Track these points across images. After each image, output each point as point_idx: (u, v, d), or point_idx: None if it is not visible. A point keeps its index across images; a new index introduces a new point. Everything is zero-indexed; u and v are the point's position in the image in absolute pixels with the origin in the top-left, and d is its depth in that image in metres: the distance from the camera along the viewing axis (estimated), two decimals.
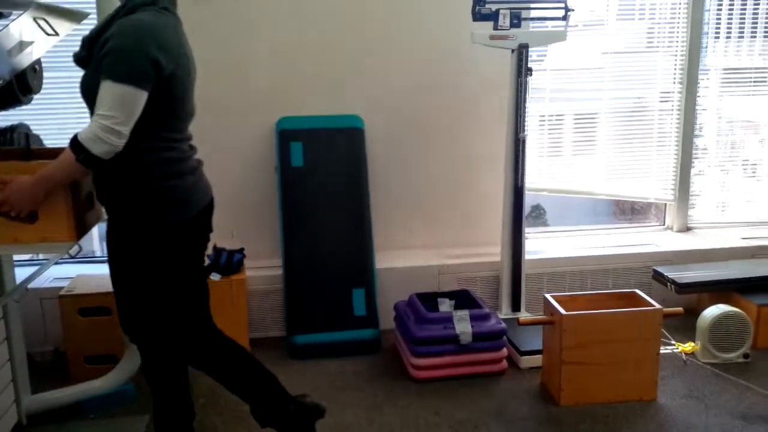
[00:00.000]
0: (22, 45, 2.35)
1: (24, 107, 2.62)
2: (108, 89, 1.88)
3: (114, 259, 2.18)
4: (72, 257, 2.45)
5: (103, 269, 3.53)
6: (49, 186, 1.97)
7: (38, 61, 2.59)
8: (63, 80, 3.42)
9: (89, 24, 2.74)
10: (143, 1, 1.99)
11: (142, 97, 1.91)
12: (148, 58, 1.90)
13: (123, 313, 2.27)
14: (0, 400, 2.47)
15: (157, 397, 2.37)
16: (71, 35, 3.17)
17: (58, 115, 3.47)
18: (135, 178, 2.04)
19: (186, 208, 2.13)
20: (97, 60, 1.93)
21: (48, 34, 2.44)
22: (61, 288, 3.17)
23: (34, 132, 2.65)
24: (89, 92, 1.98)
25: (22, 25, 2.31)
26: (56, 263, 3.17)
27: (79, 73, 3.22)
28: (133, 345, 2.93)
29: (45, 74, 2.68)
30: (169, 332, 2.24)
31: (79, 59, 2.07)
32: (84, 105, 2.83)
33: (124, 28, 1.93)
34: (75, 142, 1.89)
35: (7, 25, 2.28)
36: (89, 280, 3.28)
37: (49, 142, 2.73)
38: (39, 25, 2.39)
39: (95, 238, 3.93)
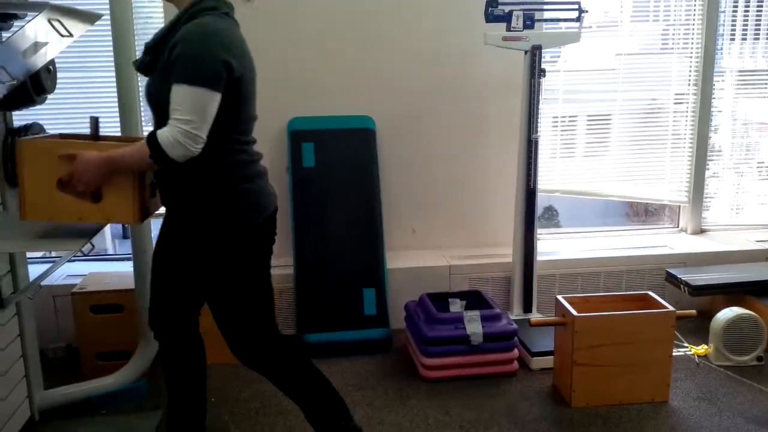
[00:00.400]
0: (36, 46, 2.37)
1: (38, 107, 2.64)
2: (183, 92, 1.89)
3: (173, 258, 2.18)
4: (85, 255, 2.46)
5: (115, 267, 3.58)
6: (115, 168, 1.99)
7: (52, 62, 2.61)
8: (76, 81, 3.46)
9: (103, 25, 2.77)
10: (206, 6, 2.01)
11: (216, 99, 1.92)
12: (220, 60, 1.92)
13: (159, 308, 2.29)
14: (13, 396, 2.49)
15: (172, 395, 2.38)
16: (84, 36, 3.20)
17: (71, 115, 3.50)
18: (208, 182, 2.04)
19: (257, 212, 2.14)
20: (165, 65, 1.95)
21: (62, 36, 2.45)
22: (73, 285, 3.20)
23: (48, 131, 2.67)
24: (156, 98, 2.00)
25: (36, 27, 2.33)
26: (69, 261, 3.19)
27: (92, 74, 3.26)
28: (146, 342, 2.96)
29: (59, 75, 2.70)
30: (235, 335, 2.23)
31: (144, 65, 2.08)
32: (99, 106, 2.90)
33: (192, 32, 1.94)
34: (153, 141, 1.90)
35: (23, 27, 2.30)
36: (101, 277, 3.30)
37: None
38: (53, 27, 2.41)
39: (108, 237, 3.98)
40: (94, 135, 2.23)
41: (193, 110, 1.88)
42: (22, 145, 2.05)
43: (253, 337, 2.26)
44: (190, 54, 1.90)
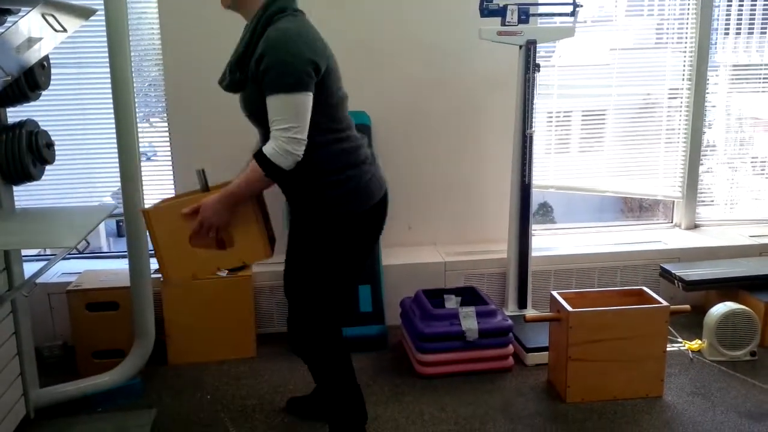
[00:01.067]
0: (30, 41, 2.36)
1: (32, 103, 2.63)
2: (279, 102, 1.97)
3: (297, 249, 2.26)
4: (80, 252, 2.47)
5: (110, 264, 3.58)
6: (234, 201, 2.09)
7: (46, 58, 2.59)
8: (71, 77, 3.44)
9: (96, 20, 2.76)
10: (278, 9, 2.06)
11: (309, 99, 2.00)
12: (306, 61, 1.98)
13: (298, 321, 2.34)
14: (8, 394, 2.48)
15: (341, 399, 2.41)
16: (79, 31, 3.19)
17: (65, 111, 3.48)
18: (314, 174, 2.11)
19: (364, 199, 2.19)
20: (255, 77, 2.02)
21: (56, 31, 2.44)
22: (68, 283, 3.19)
23: (42, 128, 2.66)
24: (256, 110, 2.07)
25: (30, 22, 2.31)
26: (64, 258, 3.19)
27: (88, 69, 3.26)
28: (141, 340, 2.96)
29: (53, 70, 2.68)
30: (309, 318, 2.28)
31: (234, 84, 2.14)
32: (93, 102, 2.92)
33: (275, 41, 2.00)
34: (263, 158, 1.99)
35: (16, 22, 2.29)
36: (97, 275, 3.30)
37: (57, 137, 2.74)
38: (47, 22, 2.39)
39: (102, 235, 3.96)
40: (204, 187, 2.30)
41: (293, 117, 1.97)
42: (148, 214, 2.15)
43: (323, 324, 2.29)
44: (277, 63, 1.97)
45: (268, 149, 2.00)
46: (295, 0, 2.16)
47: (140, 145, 2.93)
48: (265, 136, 2.09)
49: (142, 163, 3.10)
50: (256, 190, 2.14)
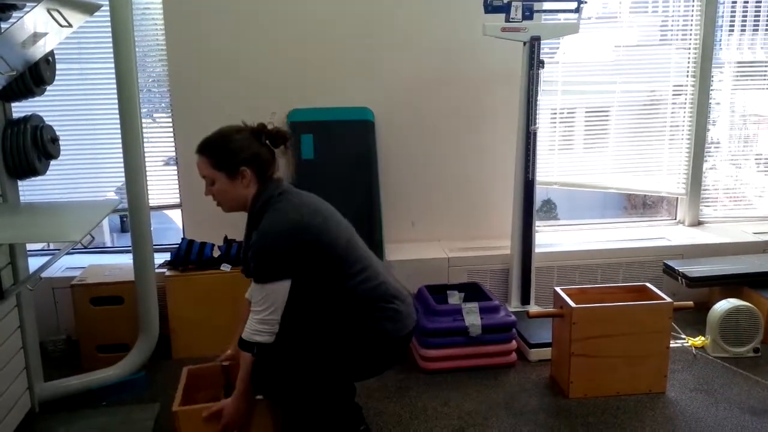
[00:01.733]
0: (35, 37, 2.37)
1: (37, 98, 2.64)
2: (259, 291, 2.14)
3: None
4: (84, 247, 2.47)
5: (115, 259, 3.59)
6: (248, 390, 2.18)
7: (51, 53, 2.60)
8: (75, 72, 3.45)
9: (101, 16, 2.76)
10: (264, 201, 2.20)
11: (286, 285, 2.13)
12: (289, 250, 2.12)
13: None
14: (13, 388, 2.50)
15: None
16: (83, 27, 3.19)
17: (70, 106, 3.49)
18: (349, 320, 2.20)
19: (398, 325, 2.23)
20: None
21: (61, 26, 2.45)
22: (73, 277, 3.20)
23: (47, 123, 2.67)
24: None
25: (35, 17, 2.32)
26: (68, 253, 3.20)
27: (93, 65, 3.27)
28: (145, 334, 2.97)
29: (58, 66, 2.70)
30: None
31: (249, 271, 2.21)
32: (98, 97, 2.92)
33: (261, 233, 2.14)
34: (243, 342, 2.15)
35: (22, 17, 2.30)
36: (101, 269, 3.31)
37: (62, 132, 2.76)
38: (52, 17, 2.40)
39: (106, 230, 3.98)
40: (227, 384, 2.47)
41: (268, 301, 2.11)
42: (179, 416, 2.28)
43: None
44: (259, 256, 2.12)
45: (245, 334, 2.15)
46: (279, 184, 2.24)
47: (144, 142, 2.94)
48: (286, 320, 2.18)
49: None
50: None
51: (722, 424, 2.62)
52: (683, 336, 3.33)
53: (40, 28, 2.36)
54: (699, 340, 3.26)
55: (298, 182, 3.50)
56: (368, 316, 2.18)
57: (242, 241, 2.34)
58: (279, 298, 2.12)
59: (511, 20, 3.27)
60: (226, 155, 2.21)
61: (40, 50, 2.41)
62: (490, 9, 3.26)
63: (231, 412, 2.20)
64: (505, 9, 3.26)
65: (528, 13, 3.28)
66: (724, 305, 3.19)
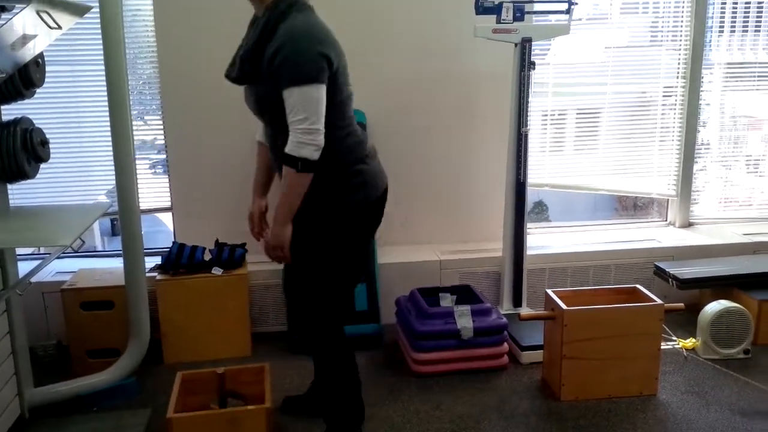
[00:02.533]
0: (24, 38, 2.35)
1: (26, 101, 2.62)
2: (294, 96, 2.01)
3: (306, 247, 2.24)
4: (74, 251, 2.46)
5: (105, 263, 3.57)
6: (287, 213, 2.13)
7: (41, 55, 2.59)
8: (65, 74, 3.43)
9: (91, 18, 2.75)
10: (289, 3, 2.09)
11: (323, 91, 2.05)
12: (321, 54, 2.03)
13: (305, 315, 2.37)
14: (2, 394, 2.48)
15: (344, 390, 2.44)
16: (73, 29, 3.17)
17: (60, 109, 3.47)
18: (328, 168, 2.14)
19: (370, 191, 2.26)
20: (269, 71, 2.05)
21: (51, 28, 2.43)
22: (63, 282, 3.18)
23: (37, 126, 2.65)
24: (265, 104, 2.13)
25: (24, 19, 2.30)
26: (58, 257, 3.18)
27: (83, 67, 3.24)
28: (136, 338, 2.96)
29: (47, 68, 2.68)
30: (316, 312, 2.31)
31: (244, 76, 2.15)
32: (88, 100, 2.89)
33: (289, 35, 2.04)
34: (287, 157, 2.05)
35: (10, 19, 2.28)
36: (91, 274, 3.29)
37: (52, 134, 2.74)
38: (42, 19, 2.38)
39: (97, 234, 3.95)
40: (219, 389, 2.56)
41: (307, 108, 2.01)
42: (174, 423, 2.28)
43: (331, 319, 2.33)
44: (295, 55, 2.01)
45: (288, 147, 2.05)
46: None
47: (135, 142, 2.93)
48: (274, 130, 2.16)
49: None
50: (300, 194, 2.12)
51: (713, 426, 2.63)
52: (674, 338, 3.35)
53: (29, 30, 2.34)
54: (690, 342, 3.28)
55: None
56: (343, 182, 2.20)
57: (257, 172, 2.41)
58: (318, 104, 2.03)
59: (502, 21, 3.27)
60: None
61: (29, 52, 2.39)
62: (481, 10, 3.26)
63: (271, 237, 2.19)
64: (497, 10, 3.26)
65: (519, 15, 3.28)
66: (714, 307, 3.20)
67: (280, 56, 2.02)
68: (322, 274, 2.28)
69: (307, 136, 2.02)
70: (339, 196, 2.21)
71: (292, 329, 2.59)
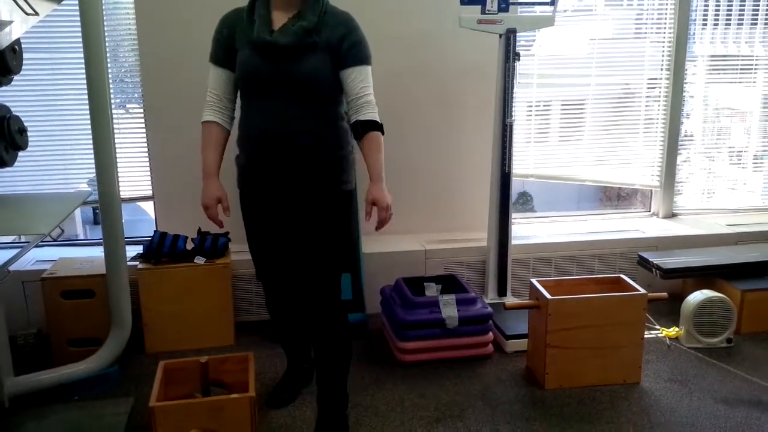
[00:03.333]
0: (0, 24, 2.31)
1: (3, 88, 2.58)
2: (364, 73, 2.27)
3: (319, 229, 2.37)
4: (54, 240, 2.42)
5: (86, 252, 3.53)
6: (383, 176, 2.32)
7: (18, 42, 2.54)
8: (45, 61, 3.38)
9: (70, 4, 2.71)
10: None
11: None
12: None
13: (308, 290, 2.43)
14: None
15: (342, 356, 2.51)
16: (52, 15, 3.13)
17: (39, 97, 3.42)
18: (343, 145, 2.39)
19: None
20: (333, 49, 2.24)
21: (27, 14, 2.40)
22: (43, 271, 3.14)
23: (15, 113, 2.61)
24: (321, 77, 2.25)
25: (0, 4, 2.27)
26: (38, 246, 3.14)
27: (62, 54, 3.19)
28: (118, 327, 2.93)
29: (26, 55, 2.64)
30: (329, 293, 2.42)
31: (300, 46, 2.21)
32: (68, 88, 2.85)
33: (352, 20, 2.30)
34: (373, 123, 2.29)
35: None
36: (71, 262, 3.25)
37: (30, 123, 2.70)
38: (18, 4, 2.35)
39: (78, 222, 3.91)
40: (202, 378, 2.55)
41: (371, 84, 2.30)
42: (156, 412, 2.26)
43: (338, 296, 2.44)
44: (362, 39, 2.28)
45: (371, 116, 2.28)
46: None
47: (116, 132, 2.89)
48: (316, 102, 2.27)
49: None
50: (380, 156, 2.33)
51: (696, 413, 2.65)
52: (657, 327, 3.36)
53: (5, 16, 2.30)
54: (673, 331, 3.29)
55: None
56: (349, 149, 2.42)
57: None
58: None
59: (487, 12, 3.27)
60: None
61: (5, 38, 2.36)
62: (466, 1, 3.25)
63: (383, 198, 2.30)
64: (481, 1, 3.25)
65: (504, 5, 3.27)
66: (697, 296, 3.22)
67: (352, 38, 2.24)
68: (341, 254, 2.42)
69: (375, 106, 2.29)
70: (351, 175, 2.43)
71: (279, 317, 2.59)
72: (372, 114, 2.28)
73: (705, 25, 4.06)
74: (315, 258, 2.37)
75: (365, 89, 2.27)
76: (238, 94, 2.40)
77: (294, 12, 2.25)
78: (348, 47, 2.24)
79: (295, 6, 2.25)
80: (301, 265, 2.39)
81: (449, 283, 3.31)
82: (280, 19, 2.26)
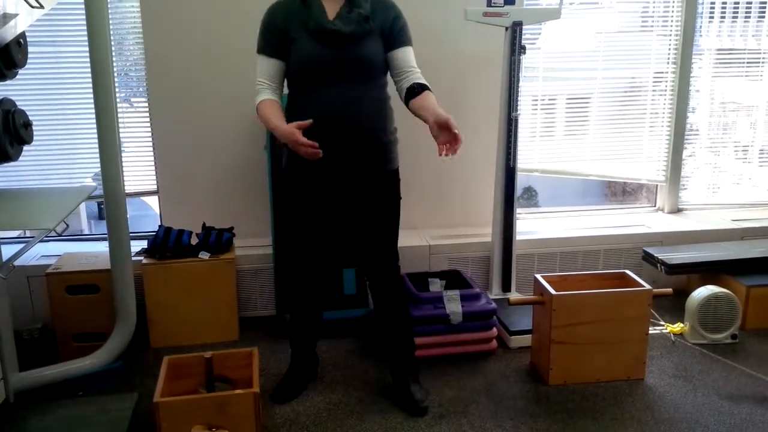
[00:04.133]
0: (5, 18, 2.31)
1: (8, 82, 2.58)
2: (412, 52, 2.49)
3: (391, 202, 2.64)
4: (59, 234, 2.42)
5: (90, 247, 3.54)
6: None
7: (23, 35, 2.54)
8: (49, 55, 3.38)
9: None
10: None
11: None
12: None
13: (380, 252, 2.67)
14: None
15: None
16: (56, 9, 3.12)
17: (44, 90, 3.41)
18: (394, 125, 2.64)
19: None
20: (384, 33, 2.43)
21: (32, 7, 2.39)
22: (48, 266, 3.14)
23: (20, 107, 2.61)
24: (375, 61, 2.43)
25: None
26: (42, 241, 3.14)
27: (67, 48, 3.19)
28: (122, 322, 2.93)
29: (31, 48, 2.63)
30: (393, 252, 2.72)
31: (361, 33, 2.38)
32: (73, 82, 2.83)
33: (397, 6, 2.49)
34: (425, 85, 2.46)
35: None
36: (76, 257, 3.26)
37: (35, 117, 2.69)
38: None
39: (83, 217, 3.91)
40: (207, 373, 2.57)
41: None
42: (160, 407, 2.27)
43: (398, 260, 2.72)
44: (406, 22, 2.49)
45: (424, 80, 2.47)
46: None
47: (120, 127, 2.89)
48: (375, 80, 2.46)
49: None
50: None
51: (700, 410, 2.64)
52: (662, 322, 3.36)
53: (9, 9, 2.29)
54: (678, 327, 3.29)
55: (277, 170, 3.46)
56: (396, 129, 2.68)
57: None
58: None
59: (493, 5, 3.25)
60: None
61: (10, 32, 2.35)
62: None
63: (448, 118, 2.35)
64: None
65: None
66: (702, 292, 3.21)
67: (401, 21, 2.46)
68: (398, 221, 2.69)
69: None
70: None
71: (306, 308, 2.73)
72: (424, 80, 2.45)
73: (712, 18, 4.03)
74: (382, 227, 2.60)
75: (413, 64, 2.47)
76: (289, 83, 2.51)
77: (342, 1, 2.40)
78: (398, 29, 2.44)
79: None
80: (366, 236, 2.60)
81: (453, 279, 3.31)
82: (331, 7, 2.39)
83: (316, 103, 2.41)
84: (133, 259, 3.02)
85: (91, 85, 2.75)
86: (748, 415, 2.60)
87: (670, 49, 4.00)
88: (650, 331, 2.87)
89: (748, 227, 3.94)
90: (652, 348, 3.07)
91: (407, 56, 2.46)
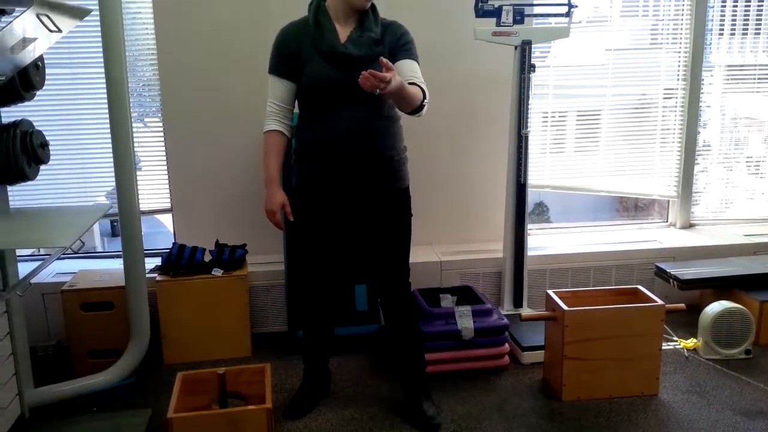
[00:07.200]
0: (24, 41, 2.36)
1: (26, 103, 2.63)
2: (417, 66, 2.52)
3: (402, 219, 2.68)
4: (74, 252, 2.46)
5: (105, 264, 3.57)
6: (400, 87, 2.26)
7: (41, 58, 2.59)
8: (65, 76, 3.44)
9: (91, 21, 2.75)
10: None
11: None
12: None
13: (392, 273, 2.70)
14: (3, 394, 2.48)
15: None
16: (73, 32, 3.18)
17: (60, 111, 3.48)
18: (403, 144, 2.71)
19: None
20: (397, 50, 2.49)
21: (51, 31, 2.44)
22: (63, 283, 3.18)
23: (37, 128, 2.65)
24: None
25: (25, 22, 2.31)
26: (58, 258, 3.18)
27: (83, 69, 3.24)
28: (136, 339, 2.96)
29: (47, 71, 2.68)
30: (404, 273, 2.74)
31: (368, 55, 2.42)
32: (88, 102, 2.87)
33: (404, 28, 2.56)
34: (423, 91, 2.44)
35: (11, 22, 2.29)
36: (91, 275, 3.29)
37: (51, 136, 2.74)
38: (42, 22, 2.39)
39: (97, 234, 3.95)
40: (220, 389, 2.57)
41: (421, 76, 2.51)
42: (174, 423, 2.29)
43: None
44: (413, 41, 2.56)
45: (425, 90, 2.46)
46: None
47: (135, 145, 2.93)
48: (373, 108, 2.46)
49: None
50: (405, 101, 2.37)
51: (714, 426, 2.63)
52: (675, 338, 3.34)
53: (29, 33, 2.34)
54: (691, 342, 3.27)
55: (288, 185, 3.49)
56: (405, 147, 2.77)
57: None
58: None
59: (502, 24, 3.28)
60: None
61: (29, 55, 2.40)
62: (481, 13, 3.27)
63: (395, 78, 2.27)
64: (496, 13, 3.27)
65: (519, 18, 3.28)
66: (715, 307, 3.20)
67: (406, 38, 2.52)
68: (409, 238, 2.72)
69: (425, 89, 2.47)
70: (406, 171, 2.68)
71: (320, 324, 2.76)
72: (422, 86, 2.44)
73: (722, 34, 4.05)
74: (394, 244, 2.63)
75: (415, 76, 2.45)
76: (300, 104, 2.55)
77: (354, 24, 2.47)
78: (402, 44, 2.49)
79: (355, 19, 2.47)
80: (378, 253, 2.62)
81: (465, 295, 3.31)
82: (343, 30, 2.46)
83: (327, 124, 2.45)
84: (147, 276, 3.05)
85: (105, 106, 2.81)
86: (762, 430, 2.58)
87: (680, 64, 4.01)
88: (663, 347, 2.86)
89: (760, 242, 3.93)
90: (665, 363, 3.05)
91: (409, 67, 2.48)
